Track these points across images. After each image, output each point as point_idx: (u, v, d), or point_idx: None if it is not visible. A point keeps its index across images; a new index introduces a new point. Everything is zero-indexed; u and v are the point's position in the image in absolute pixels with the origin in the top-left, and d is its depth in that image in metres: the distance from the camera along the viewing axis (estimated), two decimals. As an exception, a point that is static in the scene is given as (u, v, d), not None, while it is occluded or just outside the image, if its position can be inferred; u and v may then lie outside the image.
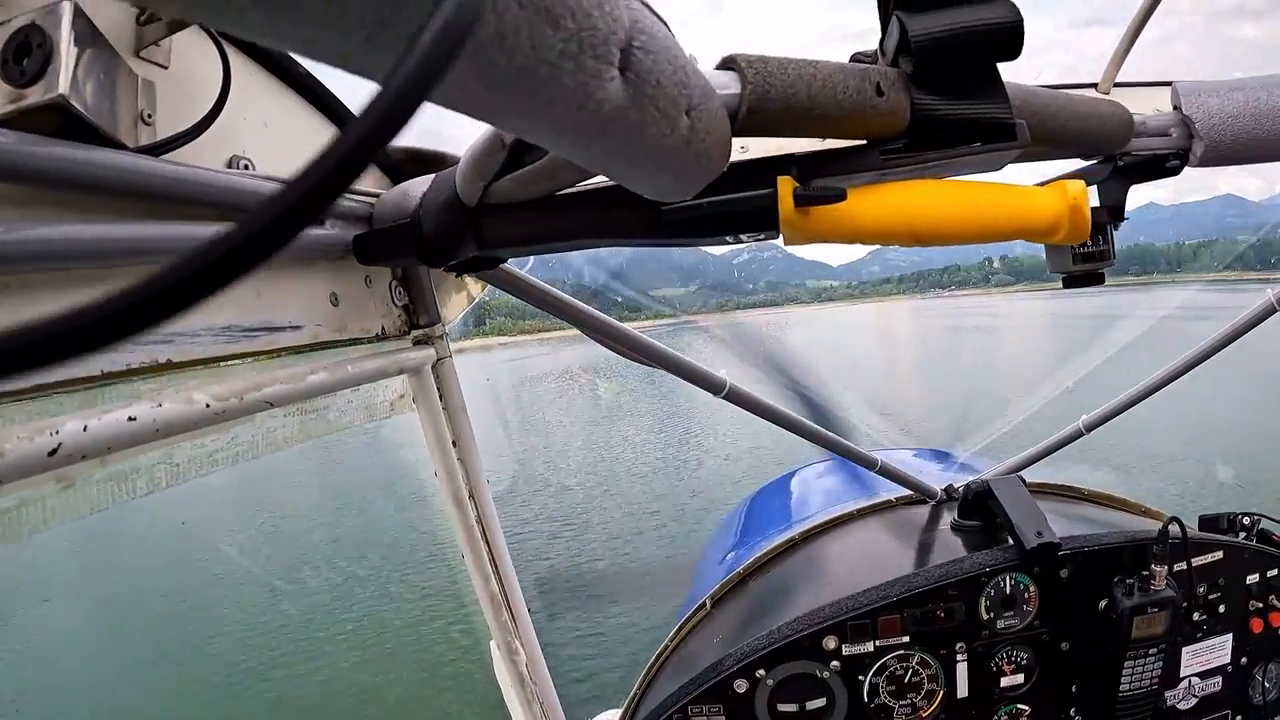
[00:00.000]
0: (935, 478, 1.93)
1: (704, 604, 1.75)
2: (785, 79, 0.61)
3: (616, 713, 1.97)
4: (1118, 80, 1.17)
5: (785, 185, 0.70)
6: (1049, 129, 0.80)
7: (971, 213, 0.75)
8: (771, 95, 0.61)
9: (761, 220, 0.73)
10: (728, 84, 0.60)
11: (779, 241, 0.80)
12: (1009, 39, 0.65)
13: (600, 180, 0.73)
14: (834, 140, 0.75)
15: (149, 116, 0.64)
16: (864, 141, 0.75)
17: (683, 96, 0.49)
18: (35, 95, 0.54)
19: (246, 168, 0.73)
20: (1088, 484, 1.93)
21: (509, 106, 0.40)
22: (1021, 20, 0.65)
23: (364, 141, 0.21)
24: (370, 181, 0.90)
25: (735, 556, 2.08)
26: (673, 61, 0.48)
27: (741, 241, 0.80)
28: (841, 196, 0.70)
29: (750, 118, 0.61)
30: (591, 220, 0.75)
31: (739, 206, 0.72)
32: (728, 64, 0.61)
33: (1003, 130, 0.71)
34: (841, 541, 1.83)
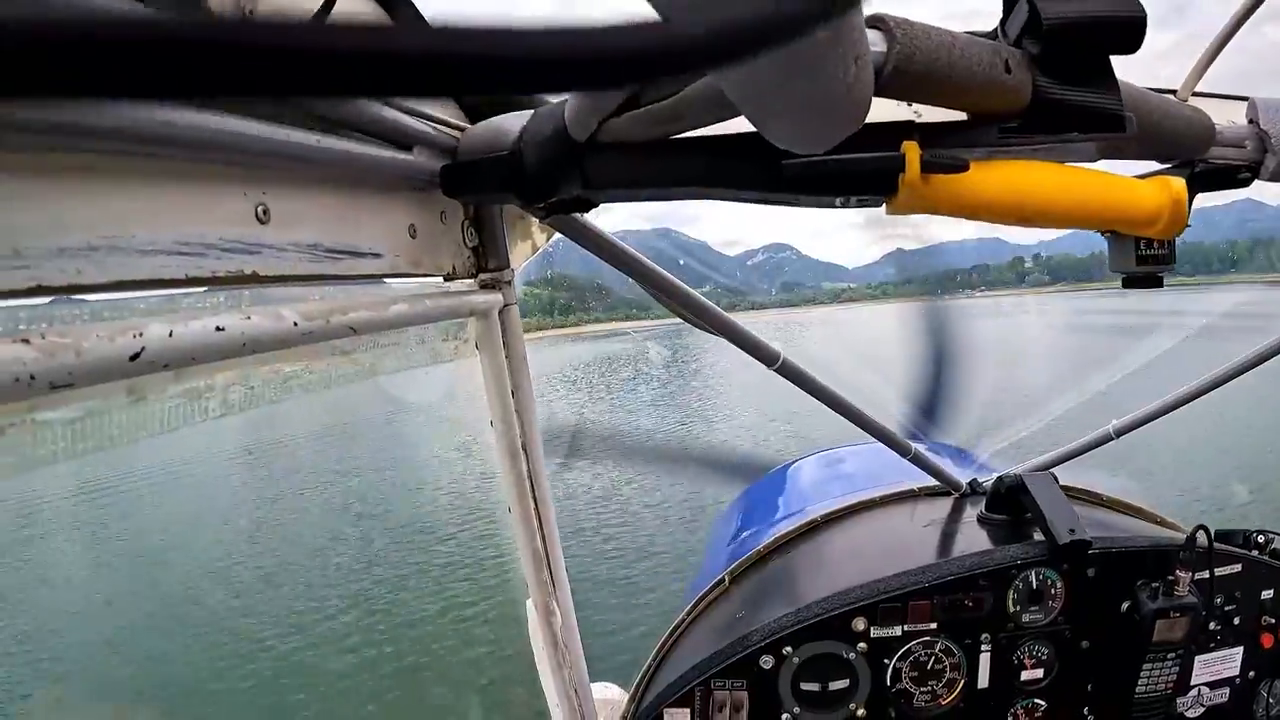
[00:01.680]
0: (957, 472, 1.92)
1: (723, 579, 1.74)
2: (929, 44, 0.62)
3: (613, 687, 1.97)
4: (1196, 90, 1.16)
5: (912, 150, 0.69)
6: (1142, 126, 0.81)
7: (1079, 197, 0.76)
8: (916, 58, 0.61)
9: (882, 183, 0.72)
10: (874, 41, 0.59)
11: (881, 210, 0.79)
12: (1132, 32, 0.66)
13: (721, 128, 0.71)
14: (940, 113, 0.75)
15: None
16: (966, 117, 0.75)
17: (860, 42, 0.49)
18: None
19: None
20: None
21: None
22: (1145, 15, 0.66)
23: None
24: (450, 115, 0.85)
25: (751, 536, 2.07)
26: (857, 5, 0.46)
27: (849, 205, 0.78)
28: (965, 167, 0.70)
29: (892, 78, 0.60)
30: (708, 168, 0.72)
31: (863, 166, 0.71)
32: (874, 22, 0.61)
33: (1114, 121, 0.73)
34: (864, 527, 1.82)
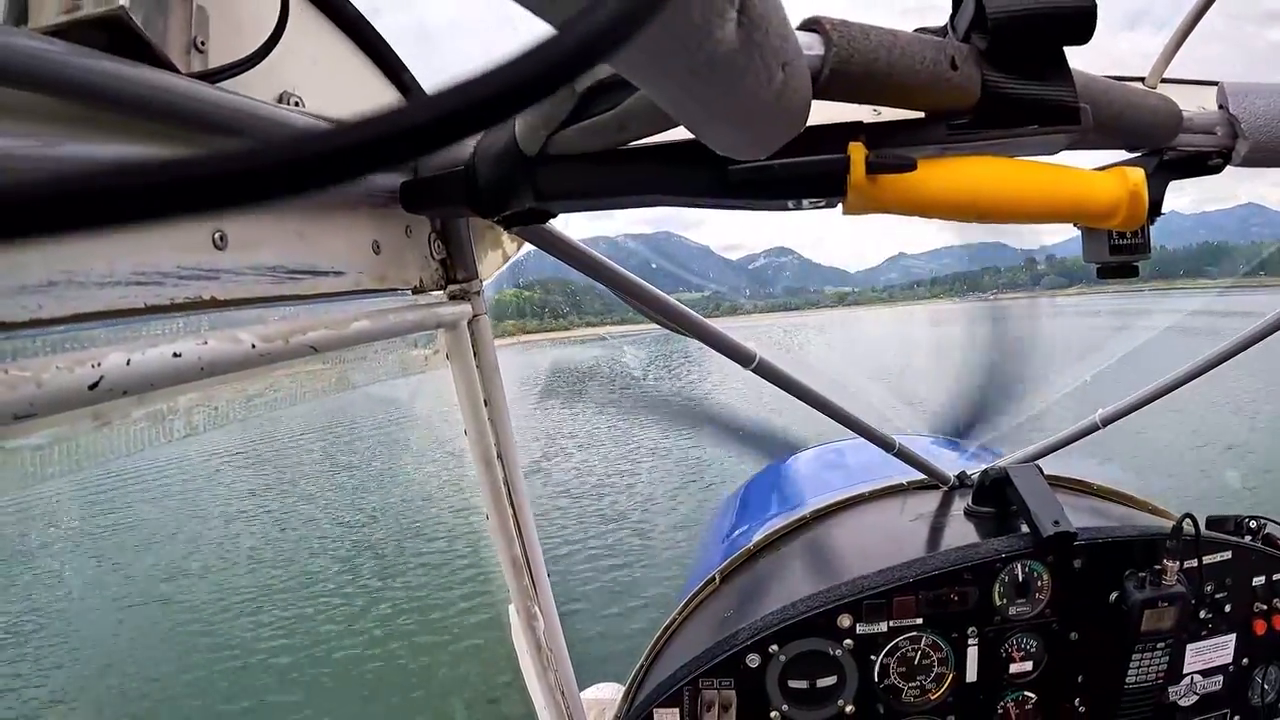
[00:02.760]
0: (946, 465, 1.93)
1: (713, 578, 1.75)
2: (868, 44, 0.62)
3: (612, 685, 1.98)
4: (1164, 76, 1.16)
5: (857, 151, 0.69)
6: (1103, 117, 0.81)
7: (1035, 192, 0.76)
8: (854, 60, 0.61)
9: (828, 185, 0.72)
10: (811, 45, 0.60)
11: (836, 212, 0.79)
12: (1082, 23, 0.66)
13: (667, 136, 0.72)
14: (895, 111, 0.75)
15: (202, 44, 0.61)
16: (922, 115, 0.75)
17: (782, 49, 0.49)
18: (91, 6, 0.51)
19: (296, 104, 0.70)
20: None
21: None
22: (1095, 5, 0.66)
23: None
24: None
25: (742, 534, 2.09)
26: (778, 11, 0.47)
27: (802, 208, 0.79)
28: (912, 166, 0.70)
29: (831, 80, 0.61)
30: (657, 176, 0.73)
31: (808, 170, 0.72)
32: (810, 25, 0.61)
33: (1067, 114, 0.73)
34: (853, 522, 1.83)
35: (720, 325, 1.35)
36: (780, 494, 2.51)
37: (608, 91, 0.66)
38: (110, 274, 0.56)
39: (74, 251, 0.54)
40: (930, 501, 1.83)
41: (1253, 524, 1.68)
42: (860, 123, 0.76)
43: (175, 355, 0.57)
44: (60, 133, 0.51)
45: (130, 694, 6.97)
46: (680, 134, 0.71)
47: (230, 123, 0.59)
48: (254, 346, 0.62)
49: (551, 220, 0.96)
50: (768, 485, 2.69)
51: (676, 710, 1.41)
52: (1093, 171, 0.80)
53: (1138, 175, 0.76)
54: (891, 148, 0.74)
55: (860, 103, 0.70)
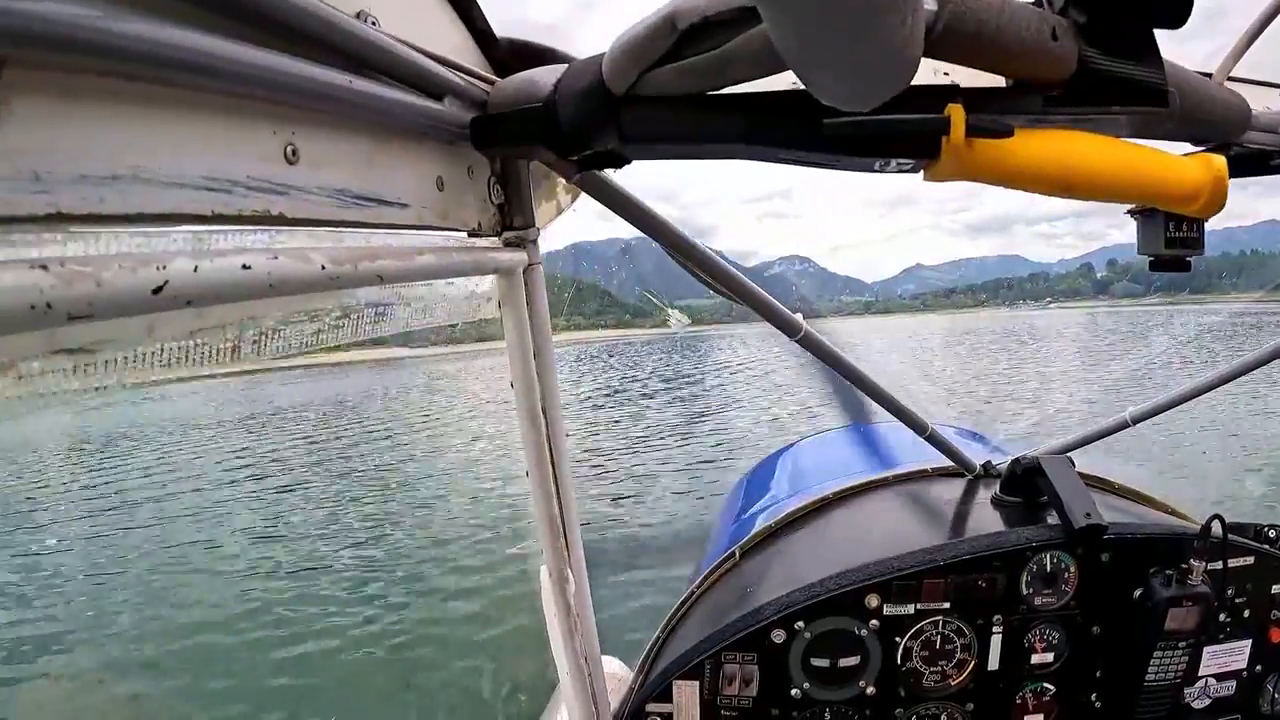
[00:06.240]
0: (971, 454, 1.91)
1: (733, 553, 1.74)
2: (980, 4, 0.61)
3: (614, 660, 1.97)
4: (1232, 75, 1.14)
5: (957, 113, 0.68)
6: (1181, 105, 0.79)
7: (1122, 170, 0.75)
8: (967, 19, 0.61)
9: (924, 146, 0.71)
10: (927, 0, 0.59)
11: (918, 177, 0.77)
12: (1178, 7, 0.67)
13: (763, 84, 0.69)
14: (979, 80, 0.74)
15: None
16: (1009, 84, 0.75)
17: None
18: None
19: (374, 24, 0.66)
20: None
21: None
22: None
23: None
24: (480, 67, 0.83)
25: (761, 512, 2.07)
26: None
27: (889, 169, 0.77)
28: (1010, 132, 0.69)
29: (943, 38, 0.60)
30: (749, 125, 0.71)
31: (906, 128, 0.69)
32: None
33: (1157, 96, 0.73)
34: (876, 505, 1.82)
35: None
36: (799, 474, 2.50)
37: (708, 30, 0.63)
38: (179, 175, 0.52)
39: (141, 145, 0.49)
40: (954, 489, 1.81)
41: (1271, 532, 1.68)
42: (958, 85, 0.75)
43: (244, 267, 0.53)
44: (145, 23, 0.46)
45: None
46: (774, 84, 0.68)
47: (309, 30, 0.56)
48: (323, 268, 0.58)
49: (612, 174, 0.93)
50: (785, 466, 2.68)
51: (696, 682, 1.40)
52: (1178, 155, 0.80)
53: (1221, 163, 0.76)
54: (987, 114, 0.73)
55: (962, 64, 0.70)
